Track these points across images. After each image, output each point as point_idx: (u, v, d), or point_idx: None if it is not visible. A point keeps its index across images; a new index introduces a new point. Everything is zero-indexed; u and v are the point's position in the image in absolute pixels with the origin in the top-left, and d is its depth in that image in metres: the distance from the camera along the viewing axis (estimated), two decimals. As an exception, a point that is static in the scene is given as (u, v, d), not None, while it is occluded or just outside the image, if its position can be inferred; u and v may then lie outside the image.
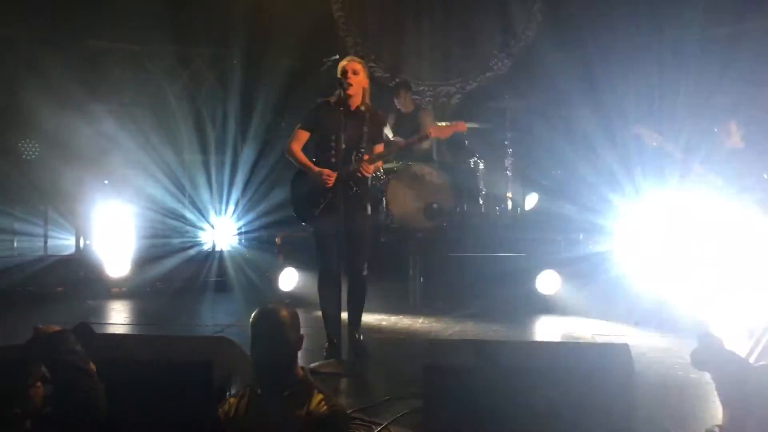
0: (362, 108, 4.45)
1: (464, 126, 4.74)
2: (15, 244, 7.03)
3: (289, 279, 6.33)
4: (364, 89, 4.46)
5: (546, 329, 5.63)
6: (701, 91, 7.20)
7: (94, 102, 7.42)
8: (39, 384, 2.35)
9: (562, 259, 6.25)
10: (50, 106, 7.09)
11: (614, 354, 3.07)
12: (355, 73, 4.39)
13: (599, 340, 5.06)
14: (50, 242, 7.24)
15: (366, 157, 4.39)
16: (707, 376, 3.08)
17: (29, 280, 6.56)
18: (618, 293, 5.80)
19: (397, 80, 8.10)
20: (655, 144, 5.74)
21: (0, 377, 2.31)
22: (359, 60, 4.55)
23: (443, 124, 4.72)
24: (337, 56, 4.84)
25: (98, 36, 7.73)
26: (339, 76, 4.41)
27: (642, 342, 4.98)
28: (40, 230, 7.22)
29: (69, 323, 2.62)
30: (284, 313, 2.66)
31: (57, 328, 2.54)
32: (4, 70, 6.85)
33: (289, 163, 4.58)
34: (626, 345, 3.08)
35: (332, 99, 4.45)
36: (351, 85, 4.34)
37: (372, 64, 8.70)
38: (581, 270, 6.16)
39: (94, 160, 7.27)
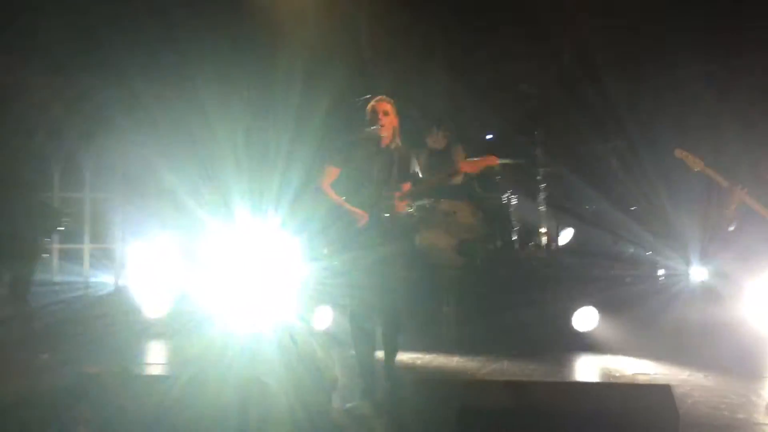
0: (392, 146, 4.51)
1: (495, 160, 4.73)
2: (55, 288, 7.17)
3: (323, 317, 6.33)
4: (394, 128, 4.51)
5: (584, 368, 5.52)
6: (745, 117, 7.11)
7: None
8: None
9: (600, 294, 6.15)
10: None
11: (656, 396, 2.99)
12: (385, 113, 4.46)
13: (640, 379, 4.94)
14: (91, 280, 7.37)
15: (397, 194, 4.41)
16: (755, 417, 2.97)
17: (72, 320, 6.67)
18: (658, 328, 5.67)
19: (428, 118, 8.13)
20: (697, 169, 5.66)
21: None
22: (389, 99, 4.60)
23: (474, 159, 4.72)
24: (369, 96, 4.90)
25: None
26: (369, 116, 4.46)
27: (686, 381, 4.85)
28: (80, 270, 7.36)
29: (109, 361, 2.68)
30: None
31: (96, 370, 2.60)
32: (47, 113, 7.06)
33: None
34: (668, 386, 3.01)
35: (362, 136, 4.50)
36: (383, 125, 4.41)
37: (402, 103, 8.77)
38: (620, 305, 6.06)
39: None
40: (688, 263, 7.26)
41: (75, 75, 7.31)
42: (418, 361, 5.56)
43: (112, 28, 7.13)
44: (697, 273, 7.03)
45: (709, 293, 5.96)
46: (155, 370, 5.54)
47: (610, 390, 3.36)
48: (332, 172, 4.56)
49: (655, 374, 5.04)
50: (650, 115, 7.88)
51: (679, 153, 5.82)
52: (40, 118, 6.78)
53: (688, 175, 5.91)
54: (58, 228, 5.23)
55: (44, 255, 5.17)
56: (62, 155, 7.25)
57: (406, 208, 4.58)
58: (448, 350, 5.92)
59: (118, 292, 7.24)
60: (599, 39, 8.29)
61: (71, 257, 7.35)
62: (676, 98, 7.77)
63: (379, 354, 4.49)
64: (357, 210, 4.39)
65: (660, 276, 7.23)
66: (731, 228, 6.34)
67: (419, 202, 6.89)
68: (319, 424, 2.92)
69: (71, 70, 7.19)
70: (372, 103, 4.54)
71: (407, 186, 4.59)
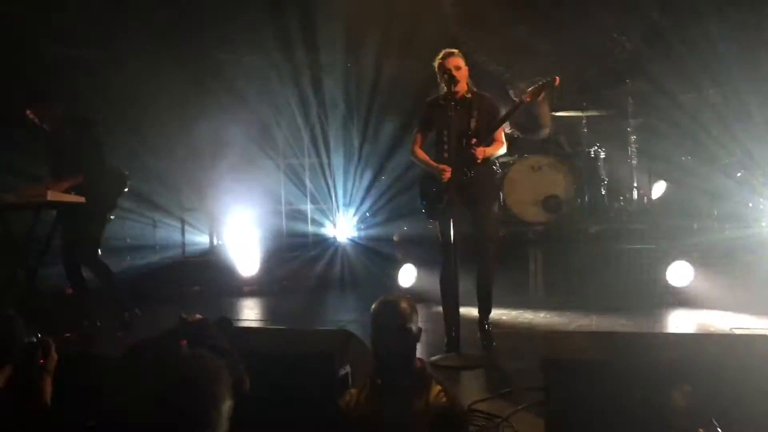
0: (468, 96, 4.47)
1: (556, 79, 4.51)
2: (156, 250, 7.57)
3: (408, 275, 6.41)
4: (466, 77, 4.48)
5: (677, 323, 5.34)
6: None
7: (219, 111, 7.84)
8: None
9: (695, 248, 5.90)
10: (182, 118, 7.65)
11: (754, 346, 2.88)
12: (457, 68, 4.43)
13: (738, 333, 4.73)
14: (187, 242, 7.74)
15: (473, 141, 4.37)
16: None
17: (170, 281, 7.05)
18: (757, 282, 5.40)
19: (510, 72, 7.96)
20: None
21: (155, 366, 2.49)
22: (456, 51, 4.52)
23: (533, 86, 4.50)
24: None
25: (223, 49, 8.16)
26: (443, 73, 4.42)
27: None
28: (178, 234, 7.73)
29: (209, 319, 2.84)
30: (404, 304, 2.72)
31: (199, 316, 2.78)
32: (141, 87, 7.40)
33: (411, 162, 4.73)
34: (766, 336, 2.88)
35: (440, 95, 4.49)
36: (458, 81, 4.37)
37: (484, 58, 8.61)
38: (716, 259, 5.79)
39: (222, 162, 7.71)
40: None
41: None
42: (504, 317, 5.55)
43: None
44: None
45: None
46: (251, 324, 5.82)
47: (702, 340, 3.24)
48: (420, 137, 4.66)
49: (755, 328, 4.82)
50: (748, 63, 7.39)
51: None
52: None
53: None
54: (125, 189, 5.46)
55: (111, 217, 5.39)
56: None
57: (490, 155, 4.54)
58: (535, 306, 5.87)
59: (214, 251, 7.57)
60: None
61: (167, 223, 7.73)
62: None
63: (463, 310, 4.53)
64: (440, 165, 4.40)
65: (760, 228, 6.86)
66: None
67: (504, 159, 6.80)
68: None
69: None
70: (439, 60, 4.49)
71: (498, 134, 4.54)
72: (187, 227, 7.71)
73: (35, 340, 2.67)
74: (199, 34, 7.55)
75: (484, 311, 4.65)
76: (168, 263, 7.35)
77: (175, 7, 7.65)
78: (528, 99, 4.50)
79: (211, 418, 1.76)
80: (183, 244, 7.65)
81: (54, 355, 2.70)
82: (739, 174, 7.25)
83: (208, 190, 7.72)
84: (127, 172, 5.55)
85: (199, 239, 7.77)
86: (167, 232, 7.67)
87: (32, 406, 2.57)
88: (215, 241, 7.64)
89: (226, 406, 1.81)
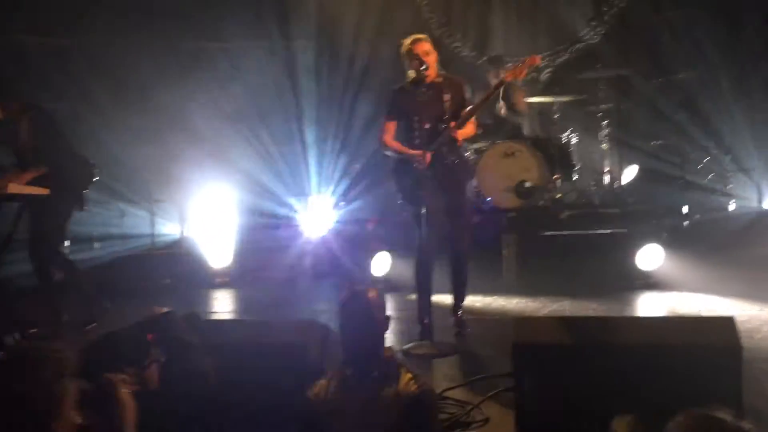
0: (438, 79, 4.43)
1: (536, 59, 4.49)
2: (124, 242, 7.44)
3: (382, 263, 6.38)
4: (436, 62, 4.45)
5: (647, 306, 5.39)
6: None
7: (189, 99, 7.72)
8: (154, 366, 2.49)
9: (665, 232, 5.96)
10: (149, 104, 7.53)
11: (718, 328, 2.90)
12: (427, 53, 4.39)
13: (706, 316, 4.79)
14: (156, 233, 7.60)
15: (452, 123, 4.35)
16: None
17: (139, 273, 6.94)
18: (725, 265, 5.47)
19: (486, 57, 7.94)
20: None
21: (120, 359, 2.45)
22: (424, 36, 4.49)
23: (514, 66, 4.52)
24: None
25: (191, 36, 8.02)
26: (412, 59, 4.37)
27: (755, 316, 4.69)
28: (146, 225, 7.58)
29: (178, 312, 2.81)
30: (371, 294, 2.69)
31: (165, 309, 2.74)
32: (108, 73, 7.26)
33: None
34: (731, 318, 2.90)
35: (407, 81, 4.45)
36: (428, 66, 4.33)
37: (458, 44, 8.58)
38: (687, 242, 5.86)
39: (192, 152, 7.59)
40: (760, 196, 6.96)
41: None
42: (478, 304, 5.55)
43: None
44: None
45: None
46: (221, 315, 5.76)
47: (668, 323, 3.27)
48: (390, 125, 4.58)
49: (723, 311, 4.88)
50: (715, 47, 7.47)
51: None
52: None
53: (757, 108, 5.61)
54: (94, 179, 5.35)
55: (84, 208, 5.27)
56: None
57: (464, 141, 4.53)
58: (508, 292, 5.89)
59: (184, 242, 7.46)
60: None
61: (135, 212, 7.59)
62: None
63: (436, 298, 4.52)
64: (417, 152, 4.36)
65: (730, 211, 6.96)
66: None
67: (477, 144, 6.79)
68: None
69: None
70: (408, 45, 4.44)
71: (464, 113, 4.50)
72: (156, 218, 7.58)
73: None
74: (165, 21, 7.41)
75: (458, 299, 4.66)
76: (136, 255, 7.23)
77: None
78: (509, 78, 4.51)
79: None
80: (152, 235, 7.52)
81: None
82: (708, 158, 7.35)
83: (178, 179, 7.59)
84: (94, 162, 5.43)
85: (169, 230, 7.64)
86: (135, 222, 7.53)
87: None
88: (185, 232, 7.52)
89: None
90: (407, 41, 4.45)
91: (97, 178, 5.41)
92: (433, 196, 4.33)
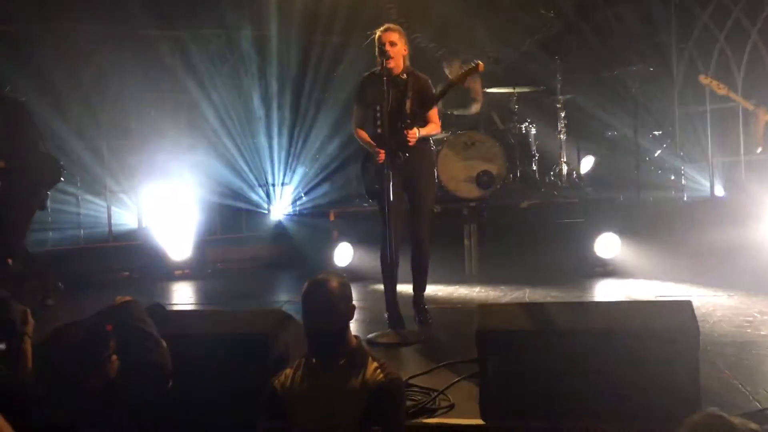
0: (403, 75, 4.42)
1: (481, 65, 4.54)
2: (81, 232, 7.26)
3: (344, 254, 6.38)
4: (403, 57, 4.42)
5: (606, 293, 5.51)
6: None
7: (146, 90, 7.55)
8: (114, 357, 2.43)
9: (622, 220, 6.09)
10: (107, 95, 7.35)
11: (676, 311, 2.97)
12: (392, 44, 4.35)
13: (662, 300, 4.92)
14: (114, 224, 7.44)
15: (408, 121, 4.36)
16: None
17: (96, 265, 6.80)
18: (684, 252, 5.63)
19: (444, 49, 7.97)
20: (722, 93, 5.53)
21: (79, 350, 2.40)
22: (396, 27, 4.47)
23: (460, 71, 4.59)
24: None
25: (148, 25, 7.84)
26: (377, 47, 4.37)
27: (710, 301, 4.83)
28: (104, 215, 7.40)
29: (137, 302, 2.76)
30: (334, 283, 2.67)
31: (128, 298, 2.70)
32: (64, 61, 7.05)
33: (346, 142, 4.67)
34: (689, 302, 2.98)
35: (375, 70, 4.44)
36: (391, 57, 4.31)
37: (417, 35, 8.58)
38: (643, 230, 6.00)
39: (150, 142, 7.44)
40: (712, 186, 7.16)
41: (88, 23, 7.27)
42: (440, 293, 5.60)
43: None
44: (722, 194, 6.95)
45: (732, 213, 5.87)
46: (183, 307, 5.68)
47: (627, 307, 3.34)
48: (358, 113, 4.60)
49: (679, 296, 5.02)
50: (672, 39, 7.66)
51: (703, 79, 5.72)
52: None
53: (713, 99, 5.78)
54: (60, 180, 5.22)
55: (44, 209, 5.13)
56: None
57: (425, 136, 4.53)
58: (470, 281, 5.96)
59: (141, 233, 7.32)
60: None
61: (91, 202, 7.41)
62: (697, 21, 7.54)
63: (401, 288, 4.54)
64: (375, 146, 4.36)
65: (684, 200, 7.15)
66: (759, 150, 6.22)
67: (437, 136, 6.82)
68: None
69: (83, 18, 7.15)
70: (378, 33, 4.42)
71: (432, 113, 4.53)
72: (114, 209, 7.40)
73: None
74: (125, 8, 7.21)
75: (420, 289, 4.67)
76: (93, 246, 7.08)
77: None
78: (456, 82, 4.58)
79: None
80: (109, 226, 7.34)
81: (31, 321, 2.77)
82: (660, 150, 7.54)
83: (136, 170, 7.44)
84: (63, 163, 5.30)
85: (127, 221, 7.48)
86: (92, 213, 7.35)
87: (21, 372, 2.63)
88: (144, 224, 7.37)
89: None
90: (381, 28, 4.44)
91: (63, 180, 5.29)
92: (393, 189, 4.32)
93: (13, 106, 4.94)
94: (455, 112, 7.08)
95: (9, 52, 6.67)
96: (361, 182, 4.66)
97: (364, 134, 4.55)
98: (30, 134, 4.97)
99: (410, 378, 3.30)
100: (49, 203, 5.31)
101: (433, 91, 4.59)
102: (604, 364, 2.83)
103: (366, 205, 6.50)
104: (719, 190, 7.13)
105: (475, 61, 4.43)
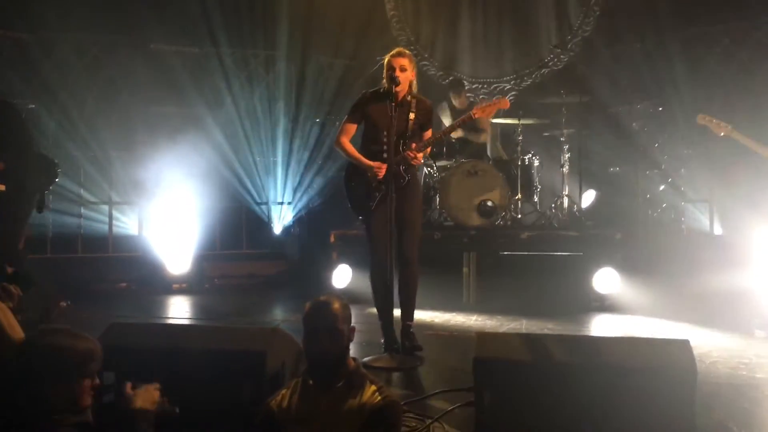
0: (408, 98, 4.46)
1: (507, 103, 4.60)
2: (80, 241, 7.26)
3: (342, 276, 6.38)
4: (411, 82, 4.46)
5: (603, 328, 5.51)
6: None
7: (157, 103, 7.61)
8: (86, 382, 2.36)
9: (621, 256, 6.10)
10: (116, 108, 7.40)
11: (674, 350, 2.97)
12: (402, 69, 4.37)
13: (659, 338, 4.91)
14: (114, 236, 7.44)
15: (414, 145, 4.39)
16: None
17: (95, 276, 6.79)
18: (682, 290, 5.64)
19: (451, 78, 8.07)
20: (723, 134, 5.53)
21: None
22: (406, 53, 4.49)
23: (485, 104, 4.62)
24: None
25: (161, 40, 7.92)
26: (386, 71, 4.41)
27: (706, 342, 4.82)
28: (104, 227, 7.41)
29: (134, 317, 2.74)
30: (336, 305, 2.67)
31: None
32: (73, 74, 7.11)
33: (338, 159, 4.65)
34: (687, 341, 2.98)
35: (379, 90, 4.47)
36: (400, 82, 4.33)
37: (425, 63, 8.69)
38: (642, 267, 6.01)
39: (155, 155, 7.47)
40: (712, 224, 7.18)
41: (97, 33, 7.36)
42: (437, 320, 5.60)
43: None
44: (720, 232, 6.96)
45: (731, 251, 5.88)
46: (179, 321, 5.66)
47: (625, 344, 3.34)
48: (350, 128, 4.57)
49: (675, 334, 5.01)
50: (675, 77, 7.73)
51: (701, 119, 5.61)
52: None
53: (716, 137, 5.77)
54: (56, 180, 5.20)
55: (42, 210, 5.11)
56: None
57: (426, 160, 4.55)
58: (467, 310, 5.95)
59: (141, 245, 7.32)
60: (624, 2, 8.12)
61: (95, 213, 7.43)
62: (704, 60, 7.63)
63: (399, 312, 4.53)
64: (374, 162, 4.38)
65: (683, 237, 7.17)
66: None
67: (441, 162, 6.88)
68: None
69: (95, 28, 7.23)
70: (388, 57, 4.46)
71: (428, 134, 4.57)
72: (114, 221, 7.42)
73: None
74: (134, 22, 7.30)
75: (408, 315, 4.54)
76: (92, 256, 7.08)
77: None
78: (476, 116, 4.56)
79: None
80: (110, 238, 7.35)
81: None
82: (662, 187, 7.58)
83: (138, 183, 7.46)
84: (58, 162, 5.29)
85: (128, 233, 7.49)
86: (93, 224, 7.36)
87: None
88: (144, 237, 7.38)
89: None
90: (392, 51, 4.47)
91: (58, 179, 5.28)
92: (382, 208, 4.32)
93: (2, 107, 4.93)
94: (465, 135, 7.14)
95: (21, 59, 6.73)
96: (348, 204, 4.64)
97: (352, 148, 4.51)
98: (22, 135, 4.96)
99: (404, 403, 3.29)
100: (49, 204, 5.28)
101: (434, 117, 4.61)
102: (600, 399, 2.82)
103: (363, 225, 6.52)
104: (718, 229, 7.16)
105: (500, 97, 4.44)
